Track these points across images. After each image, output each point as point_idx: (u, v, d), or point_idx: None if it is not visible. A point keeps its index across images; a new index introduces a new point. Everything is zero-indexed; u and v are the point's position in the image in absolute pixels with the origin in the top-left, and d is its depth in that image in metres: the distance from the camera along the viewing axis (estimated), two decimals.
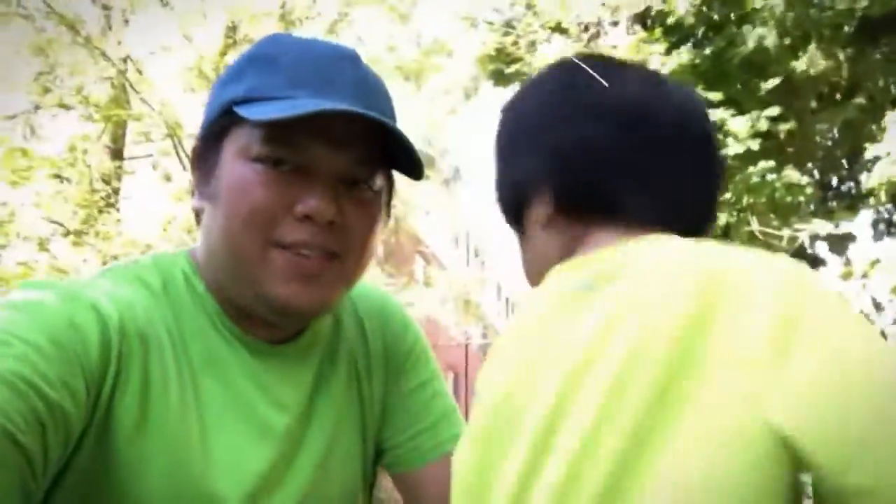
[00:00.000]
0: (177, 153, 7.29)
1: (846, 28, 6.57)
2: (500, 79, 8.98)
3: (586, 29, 7.62)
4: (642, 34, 7.41)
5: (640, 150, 0.64)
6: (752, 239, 6.41)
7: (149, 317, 0.69)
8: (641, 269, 0.58)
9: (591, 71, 0.68)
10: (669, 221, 0.65)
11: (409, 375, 0.86)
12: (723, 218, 6.35)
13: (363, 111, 0.65)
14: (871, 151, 5.43)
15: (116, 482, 0.65)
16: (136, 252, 6.12)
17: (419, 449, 0.84)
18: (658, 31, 7.28)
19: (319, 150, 0.67)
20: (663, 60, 7.13)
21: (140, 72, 7.35)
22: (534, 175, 0.68)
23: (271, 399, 0.74)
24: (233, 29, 7.39)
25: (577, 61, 0.70)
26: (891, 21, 6.31)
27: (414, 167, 0.71)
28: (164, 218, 6.44)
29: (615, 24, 7.63)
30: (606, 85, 0.66)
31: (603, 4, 7.05)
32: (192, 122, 7.19)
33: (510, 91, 8.91)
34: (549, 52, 7.65)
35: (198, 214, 0.74)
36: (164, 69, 7.32)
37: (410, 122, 6.00)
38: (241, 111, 0.66)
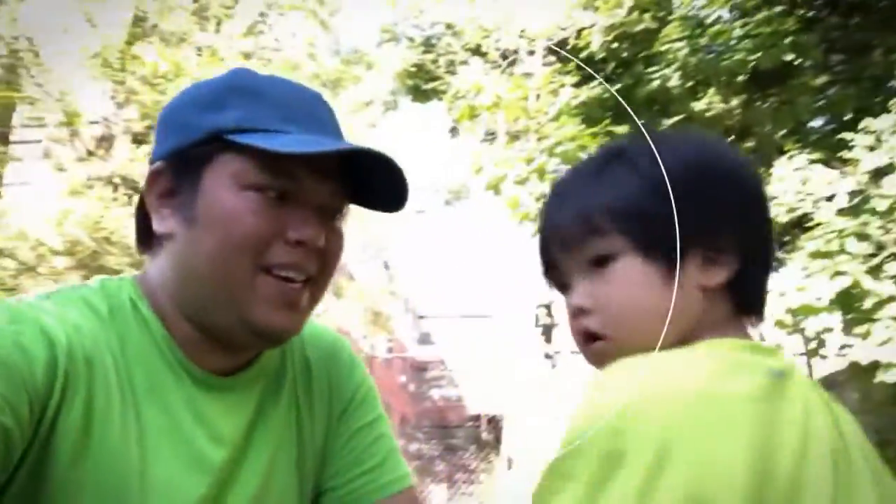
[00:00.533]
0: (72, 143, 6.87)
1: (741, 77, 7.10)
2: (417, 95, 9.08)
3: (504, 56, 7.83)
4: (557, 66, 7.71)
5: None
6: None
7: (95, 340, 0.69)
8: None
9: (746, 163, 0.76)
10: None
11: (353, 417, 0.87)
12: None
13: (378, 151, 0.71)
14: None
15: None
16: (26, 247, 5.73)
17: (361, 491, 0.84)
18: (571, 65, 7.60)
19: (308, 181, 0.71)
20: (575, 93, 7.44)
21: (36, 53, 6.89)
22: (724, 233, 0.70)
23: (210, 431, 0.74)
24: (141, 19, 7.07)
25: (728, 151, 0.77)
26: (780, 74, 6.89)
27: (391, 200, 0.77)
28: (57, 212, 6.03)
29: (531, 53, 7.89)
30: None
31: (522, 33, 7.28)
32: (94, 110, 6.80)
33: (428, 108, 8.91)
34: (468, 74, 7.81)
35: (161, 238, 0.74)
36: (63, 53, 6.88)
37: None
38: (246, 140, 0.69)
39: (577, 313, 0.71)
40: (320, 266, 0.73)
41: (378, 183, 0.75)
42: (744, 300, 0.70)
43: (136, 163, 6.62)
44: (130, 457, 0.68)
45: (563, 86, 7.57)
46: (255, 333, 0.71)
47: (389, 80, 8.18)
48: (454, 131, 9.40)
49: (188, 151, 0.72)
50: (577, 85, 7.66)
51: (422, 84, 8.87)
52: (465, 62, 8.26)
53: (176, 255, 0.73)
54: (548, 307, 7.41)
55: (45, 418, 0.63)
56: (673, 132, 0.79)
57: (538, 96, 7.67)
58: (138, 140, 7.60)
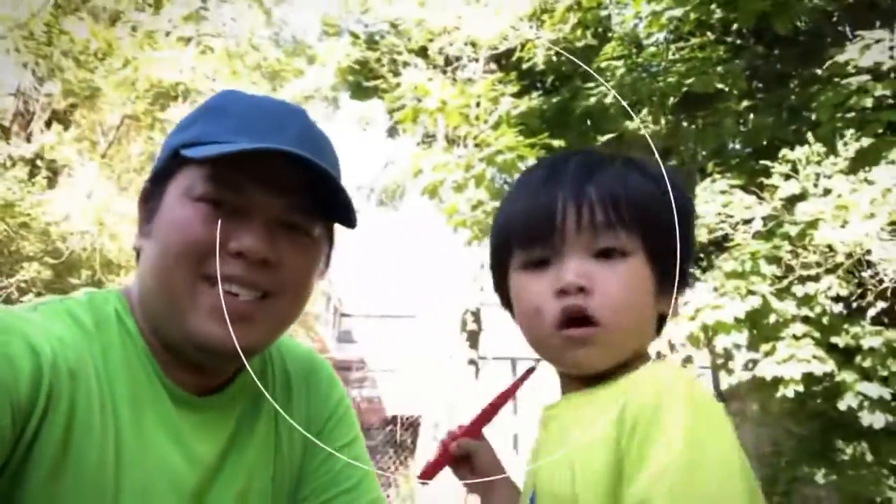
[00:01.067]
0: None
1: (672, 99, 7.42)
2: (358, 92, 9.03)
3: (448, 61, 7.89)
4: (499, 74, 7.82)
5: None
6: None
7: (79, 353, 0.69)
8: None
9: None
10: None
11: (331, 437, 0.88)
12: None
13: (297, 151, 0.68)
14: None
15: None
16: None
17: None
18: (513, 74, 7.73)
19: (258, 193, 0.71)
20: (515, 103, 7.57)
21: None
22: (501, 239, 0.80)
23: (185, 452, 0.74)
24: None
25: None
26: (707, 98, 7.23)
27: (350, 218, 0.77)
28: None
29: (475, 60, 7.98)
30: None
31: (468, 39, 7.35)
32: (9, 83, 6.45)
33: (368, 106, 8.84)
34: (411, 75, 7.82)
35: (138, 254, 0.76)
36: None
37: None
38: (187, 152, 0.70)
39: (571, 290, 0.70)
40: (277, 282, 0.72)
41: (337, 200, 0.75)
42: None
43: (63, 147, 6.32)
44: (106, 474, 0.68)
45: (503, 95, 7.69)
46: (198, 347, 0.71)
47: (331, 75, 8.10)
48: (392, 132, 9.40)
49: (158, 170, 0.75)
50: (517, 95, 7.80)
51: (363, 81, 8.82)
52: (408, 63, 8.28)
53: (139, 269, 0.75)
54: (475, 313, 7.53)
55: (27, 430, 0.63)
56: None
57: (478, 104, 7.77)
58: (59, 119, 7.26)
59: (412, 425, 12.84)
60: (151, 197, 0.75)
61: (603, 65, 7.42)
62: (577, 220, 0.71)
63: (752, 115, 7.49)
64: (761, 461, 6.22)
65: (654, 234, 0.74)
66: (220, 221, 0.70)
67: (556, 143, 6.86)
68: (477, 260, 8.05)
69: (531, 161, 6.81)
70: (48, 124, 7.40)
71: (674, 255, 0.75)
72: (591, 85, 7.50)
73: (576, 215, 0.71)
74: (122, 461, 0.69)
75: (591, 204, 0.72)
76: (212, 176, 0.70)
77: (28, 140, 6.96)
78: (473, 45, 7.50)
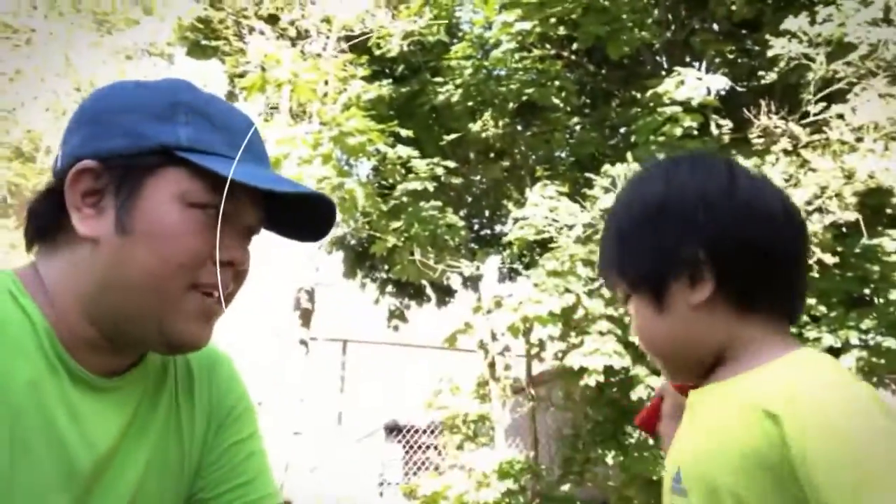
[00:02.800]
0: None
1: (511, 104, 7.88)
2: (195, 50, 8.52)
3: (299, 34, 7.71)
4: (350, 55, 7.80)
5: (789, 248, 0.80)
6: (411, 264, 7.19)
7: None
8: None
9: (748, 174, 0.82)
10: (796, 313, 0.82)
11: (230, 431, 0.89)
12: (391, 241, 7.02)
13: (328, 198, 0.81)
14: (517, 213, 6.59)
15: None
16: None
17: (239, 502, 0.86)
18: (364, 58, 7.74)
19: (247, 206, 0.77)
20: (365, 87, 7.60)
21: None
22: (692, 258, 0.78)
23: (83, 433, 0.73)
24: None
25: (706, 156, 0.87)
26: (542, 109, 7.79)
27: (307, 232, 0.85)
28: None
29: (327, 37, 7.88)
30: (761, 189, 0.81)
31: (323, 16, 7.25)
32: None
33: (206, 66, 8.35)
34: (258, 42, 7.55)
35: (68, 236, 0.74)
36: None
37: (91, 73, 5.34)
38: (205, 162, 0.73)
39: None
40: (239, 284, 0.78)
41: (297, 214, 0.81)
42: (766, 309, 0.79)
43: None
44: (1, 457, 0.67)
45: (353, 77, 7.69)
46: (170, 344, 0.74)
47: (168, 29, 7.57)
48: (230, 97, 9.00)
49: (133, 159, 0.72)
50: (366, 79, 7.83)
51: (202, 39, 8.35)
52: (254, 29, 7.97)
53: (100, 260, 0.72)
54: (310, 292, 7.50)
55: None
56: (677, 158, 0.89)
57: (326, 82, 7.69)
58: None
59: None
60: (117, 183, 0.73)
61: (453, 63, 7.69)
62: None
63: (578, 129, 8.19)
64: (562, 442, 6.91)
65: (624, 270, 0.87)
66: (213, 231, 0.75)
67: (405, 132, 7.01)
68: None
69: (380, 146, 6.91)
70: None
71: (646, 265, 0.83)
72: (439, 80, 7.75)
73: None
74: (16, 443, 0.68)
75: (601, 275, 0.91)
76: (216, 189, 0.73)
77: None
78: (328, 21, 7.41)
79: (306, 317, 7.27)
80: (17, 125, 4.74)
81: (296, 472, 7.41)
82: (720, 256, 0.78)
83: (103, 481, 0.75)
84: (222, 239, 0.74)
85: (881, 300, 5.49)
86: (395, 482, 9.81)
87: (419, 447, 8.86)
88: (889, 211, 5.54)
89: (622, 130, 7.85)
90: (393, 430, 9.91)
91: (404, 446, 9.23)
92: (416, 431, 9.04)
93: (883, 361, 5.14)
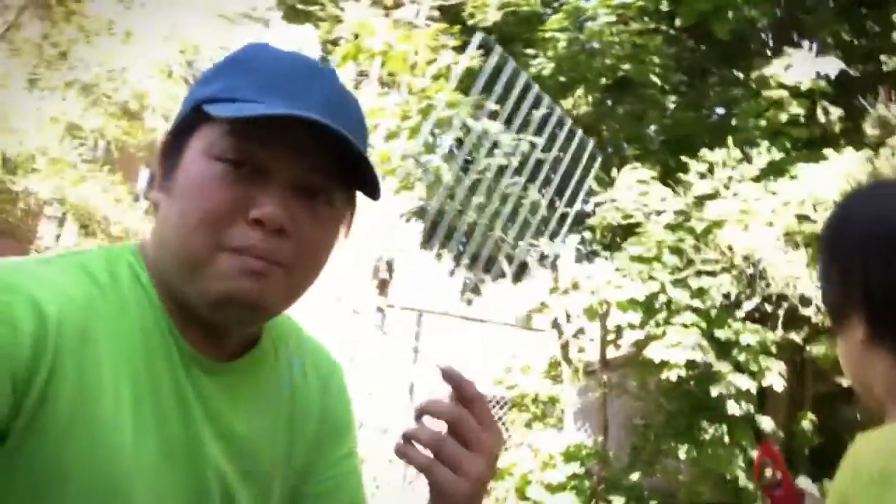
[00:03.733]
0: None
1: (604, 80, 7.62)
2: (290, 14, 8.61)
3: (394, 1, 7.65)
4: (442, 24, 7.70)
5: None
6: (489, 240, 7.13)
7: (91, 311, 0.66)
8: None
9: None
10: None
11: (340, 442, 0.85)
12: (471, 217, 6.97)
13: (325, 121, 0.65)
14: (601, 196, 6.41)
15: (32, 494, 0.61)
16: None
17: None
18: (456, 27, 7.63)
19: (280, 154, 0.67)
20: (456, 58, 7.50)
21: None
22: (858, 297, 0.77)
23: (207, 417, 0.71)
24: None
25: None
26: (637, 85, 7.50)
27: (374, 188, 0.71)
28: None
29: (419, 4, 7.80)
30: None
31: None
32: None
33: (300, 31, 8.43)
34: (352, 10, 7.55)
35: (155, 207, 0.73)
36: None
37: (195, 36, 5.45)
38: (210, 109, 0.66)
39: None
40: (290, 252, 0.68)
41: (362, 168, 0.70)
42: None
43: None
44: (123, 434, 0.65)
45: (445, 47, 7.59)
46: (214, 303, 0.68)
47: None
48: (324, 62, 9.08)
49: (178, 123, 0.72)
50: (458, 49, 7.73)
51: (298, 4, 8.42)
52: None
53: (158, 224, 0.72)
54: (389, 262, 7.57)
55: (29, 395, 0.60)
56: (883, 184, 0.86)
57: (416, 52, 7.64)
58: None
59: None
60: (171, 151, 0.71)
61: (547, 35, 7.47)
62: None
63: (673, 108, 7.85)
64: (633, 431, 6.78)
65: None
66: (242, 186, 0.67)
67: (496, 106, 6.89)
68: (398, 209, 8.04)
69: (469, 121, 6.84)
70: None
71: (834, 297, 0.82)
72: (531, 52, 7.55)
73: None
74: (139, 422, 0.66)
75: None
76: (232, 134, 0.66)
77: None
78: None
79: (383, 286, 7.35)
80: (125, 84, 4.92)
81: (368, 431, 7.59)
82: (872, 301, 0.76)
83: (232, 464, 0.73)
84: (255, 195, 0.66)
85: None
86: None
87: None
88: None
89: (721, 112, 7.47)
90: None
91: None
92: (489, 401, 9.07)
93: None
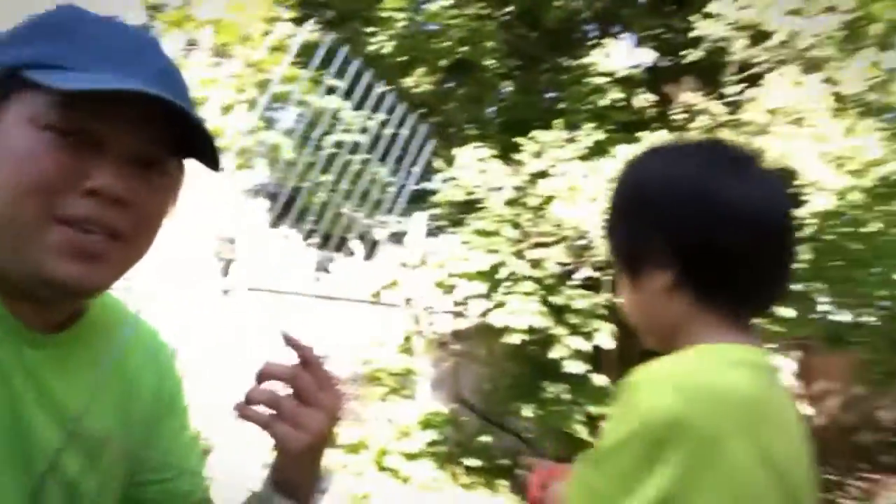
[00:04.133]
0: None
1: (443, 61, 7.87)
2: None
3: None
4: None
5: (761, 251, 0.82)
6: (337, 218, 7.14)
7: None
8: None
9: (728, 165, 0.84)
10: (765, 304, 0.86)
11: (175, 416, 0.85)
12: (321, 195, 6.94)
13: (168, 97, 0.64)
14: (445, 174, 6.67)
15: None
16: None
17: (178, 490, 0.84)
18: (293, 0, 7.47)
19: (115, 126, 0.66)
20: (293, 30, 7.35)
21: None
22: (661, 246, 0.83)
23: (43, 394, 0.69)
24: None
25: (718, 146, 0.88)
26: (475, 68, 7.84)
27: (212, 158, 0.70)
28: None
29: None
30: (741, 185, 0.82)
31: None
32: None
33: None
34: None
35: None
36: None
37: None
38: (37, 76, 0.62)
39: None
40: (128, 223, 0.67)
41: (195, 138, 0.69)
42: (726, 302, 0.83)
43: None
44: None
45: (280, 19, 7.40)
46: (49, 287, 0.65)
47: None
48: (145, 29, 8.47)
49: None
50: (295, 21, 7.57)
51: None
52: None
53: None
54: (231, 241, 7.33)
55: None
56: (682, 145, 0.89)
57: (250, 23, 7.38)
58: None
59: None
60: None
61: (385, 14, 7.55)
62: None
63: (509, 91, 8.30)
64: (483, 396, 7.21)
65: (610, 246, 0.95)
66: (74, 156, 0.65)
67: (338, 82, 6.87)
68: (240, 187, 7.76)
69: (310, 96, 6.76)
70: None
71: (627, 245, 0.92)
72: (371, 30, 7.60)
73: None
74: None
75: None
76: (63, 105, 0.63)
77: None
78: None
79: (226, 266, 7.12)
80: None
81: (219, 415, 7.34)
82: (682, 251, 0.83)
83: (76, 446, 0.71)
84: (87, 166, 0.64)
85: None
86: None
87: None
88: (791, 190, 6.03)
89: (551, 96, 8.02)
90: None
91: None
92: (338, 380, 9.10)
93: (783, 330, 5.67)
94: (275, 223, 8.14)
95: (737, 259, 0.81)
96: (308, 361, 0.69)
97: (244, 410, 0.66)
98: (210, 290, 6.91)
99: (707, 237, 0.81)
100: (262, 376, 0.68)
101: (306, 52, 6.69)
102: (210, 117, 6.75)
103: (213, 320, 6.92)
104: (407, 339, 7.35)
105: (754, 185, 0.83)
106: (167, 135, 0.68)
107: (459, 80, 8.07)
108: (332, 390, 0.70)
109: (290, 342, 0.70)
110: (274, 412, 0.67)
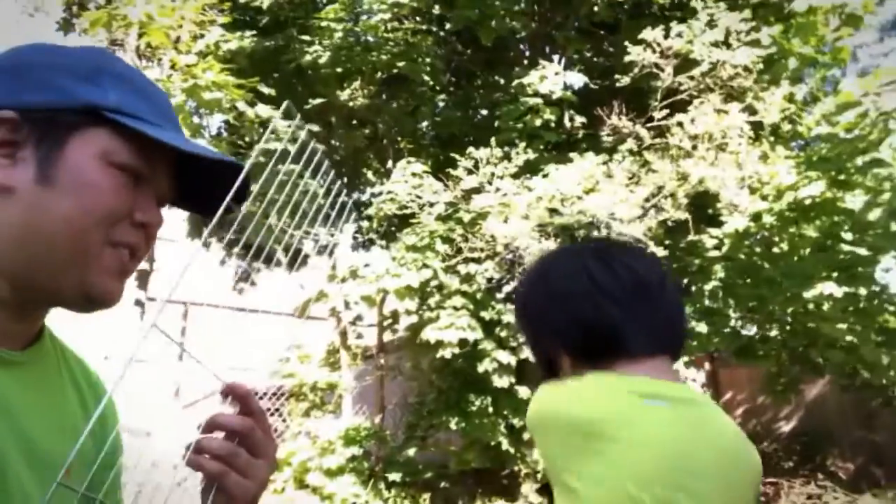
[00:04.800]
0: None
1: (380, 74, 7.84)
2: None
3: None
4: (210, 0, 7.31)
5: (637, 310, 0.98)
6: (269, 231, 6.96)
7: None
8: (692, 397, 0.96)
9: (600, 260, 1.02)
10: (661, 348, 0.99)
11: (115, 444, 0.86)
12: (245, 205, 6.75)
13: (229, 160, 0.79)
14: (378, 188, 6.62)
15: None
16: None
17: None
18: (227, 4, 7.31)
19: (163, 173, 0.79)
20: (228, 36, 7.19)
21: None
22: (555, 341, 1.01)
23: (5, 420, 0.69)
24: None
25: (589, 251, 1.03)
26: (410, 81, 7.84)
27: (208, 205, 0.83)
28: None
29: None
30: (614, 270, 1.00)
31: None
32: None
33: None
34: None
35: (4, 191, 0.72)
36: None
37: None
38: (135, 124, 0.73)
39: None
40: (147, 245, 0.79)
41: (203, 186, 0.82)
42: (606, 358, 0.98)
43: None
44: None
45: (213, 22, 7.23)
46: (88, 297, 0.73)
47: None
48: (67, 26, 8.11)
49: (57, 114, 0.74)
50: (227, 28, 7.41)
51: None
52: None
53: (17, 210, 0.72)
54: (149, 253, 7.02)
55: None
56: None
57: (180, 25, 7.17)
58: None
59: None
60: (37, 136, 0.73)
61: (323, 23, 7.48)
62: None
63: (443, 106, 8.34)
64: (407, 409, 7.14)
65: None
66: (131, 192, 0.75)
67: (267, 90, 6.74)
68: None
69: (239, 104, 6.60)
70: None
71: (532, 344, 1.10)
72: (308, 39, 7.51)
73: None
74: None
75: None
76: (138, 151, 0.75)
77: None
78: None
79: (143, 277, 6.82)
80: None
81: (132, 436, 6.97)
82: (567, 343, 1.01)
83: (36, 459, 0.70)
84: (140, 201, 0.76)
85: (696, 288, 6.25)
86: None
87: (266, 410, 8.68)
88: (711, 212, 6.29)
89: (485, 113, 8.11)
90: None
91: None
92: (257, 395, 8.83)
93: (695, 343, 5.87)
94: (196, 232, 7.89)
95: (593, 327, 0.99)
96: (252, 411, 0.74)
97: (198, 460, 0.70)
98: (125, 302, 6.55)
99: (557, 326, 1.01)
100: (211, 426, 0.73)
101: (239, 58, 6.54)
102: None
103: (129, 332, 6.57)
104: (332, 352, 7.22)
105: (630, 266, 1.02)
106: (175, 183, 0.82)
107: (394, 94, 8.06)
108: (273, 439, 0.76)
109: (233, 394, 0.75)
110: (227, 463, 0.71)
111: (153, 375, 7.04)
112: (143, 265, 7.50)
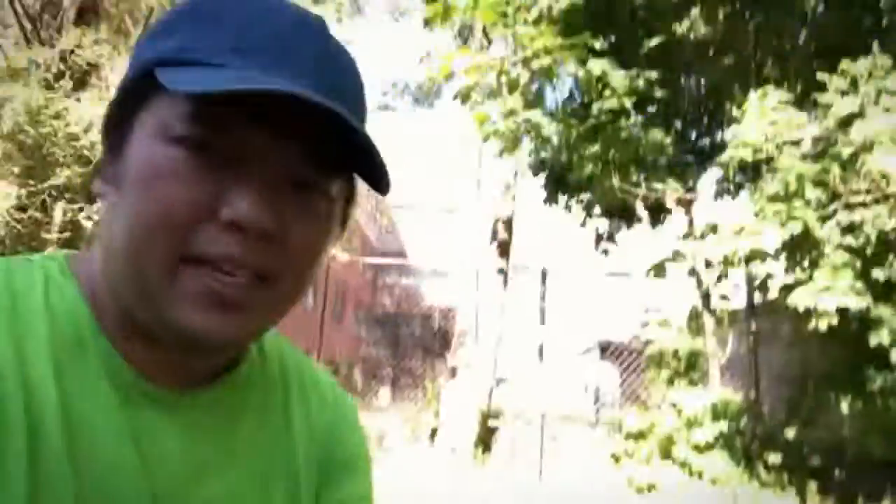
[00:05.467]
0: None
1: None
2: None
3: None
4: None
5: None
6: (611, 192, 6.72)
7: None
8: None
9: None
10: None
11: (352, 481, 0.70)
12: (588, 169, 6.60)
13: (319, 99, 0.49)
14: (731, 132, 5.78)
15: None
16: None
17: None
18: None
19: (260, 138, 0.51)
20: None
21: None
22: None
23: (163, 483, 0.54)
24: None
25: None
26: None
27: (379, 177, 0.54)
28: None
29: None
30: None
31: None
32: None
33: None
34: None
35: (101, 199, 0.56)
36: None
37: None
38: (163, 75, 0.49)
39: None
40: (278, 261, 0.53)
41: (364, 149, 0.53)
42: None
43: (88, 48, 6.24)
44: (13, 489, 0.48)
45: None
46: (181, 339, 0.53)
47: None
48: (428, 24, 8.96)
49: (126, 89, 0.55)
50: None
51: None
52: None
53: (104, 223, 0.56)
54: (507, 222, 7.42)
55: None
56: None
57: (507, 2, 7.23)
58: (88, 8, 7.14)
59: (447, 316, 13.30)
60: (118, 125, 0.55)
61: None
62: None
63: (821, 10, 6.79)
64: (790, 383, 6.21)
65: None
66: (209, 176, 0.51)
67: (598, 44, 6.40)
68: (511, 168, 7.83)
69: (570, 66, 6.41)
70: (80, 15, 7.29)
71: None
72: None
73: None
74: (78, 464, 0.51)
75: None
76: (195, 111, 0.50)
77: (59, 32, 6.90)
78: None
79: (504, 247, 7.24)
80: None
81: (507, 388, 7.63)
82: None
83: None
84: (227, 189, 0.51)
85: None
86: (612, 404, 9.71)
87: (634, 369, 8.56)
88: None
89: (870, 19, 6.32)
90: (606, 349, 9.70)
91: (620, 366, 8.98)
92: (632, 353, 8.72)
93: None
94: (553, 197, 8.01)
95: None
96: None
97: None
98: (488, 272, 7.07)
99: None
100: None
101: (572, 16, 6.32)
102: (476, 103, 6.84)
103: (492, 301, 7.10)
104: (694, 315, 6.63)
105: None
106: (327, 147, 0.53)
107: (753, 10, 6.84)
108: None
109: None
110: None
111: (518, 342, 7.52)
112: (503, 235, 7.94)
